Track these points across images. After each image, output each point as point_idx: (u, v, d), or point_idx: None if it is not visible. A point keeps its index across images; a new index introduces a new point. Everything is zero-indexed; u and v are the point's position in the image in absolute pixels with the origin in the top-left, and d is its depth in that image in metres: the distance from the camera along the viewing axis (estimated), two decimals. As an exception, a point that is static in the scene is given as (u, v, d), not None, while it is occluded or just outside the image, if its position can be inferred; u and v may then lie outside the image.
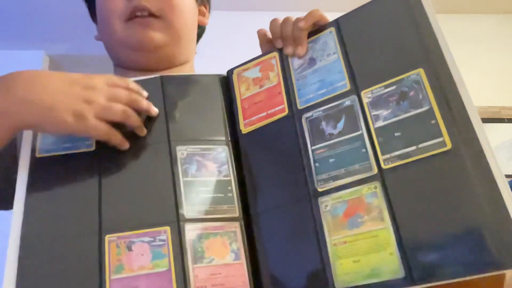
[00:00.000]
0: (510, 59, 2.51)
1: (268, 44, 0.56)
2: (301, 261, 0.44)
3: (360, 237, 0.41)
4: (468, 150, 0.39)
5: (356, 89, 0.47)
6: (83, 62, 2.23)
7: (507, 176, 2.17)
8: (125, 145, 0.49)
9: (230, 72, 0.57)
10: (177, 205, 0.46)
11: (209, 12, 0.76)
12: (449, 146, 0.40)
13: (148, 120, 0.52)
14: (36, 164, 0.48)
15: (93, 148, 0.49)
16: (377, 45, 0.47)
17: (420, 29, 0.46)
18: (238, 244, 0.46)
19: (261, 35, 0.57)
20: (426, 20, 0.46)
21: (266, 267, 0.45)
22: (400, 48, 0.46)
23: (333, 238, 0.43)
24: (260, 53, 0.57)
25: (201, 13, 0.73)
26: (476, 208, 0.37)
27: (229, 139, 0.52)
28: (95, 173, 0.48)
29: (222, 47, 2.33)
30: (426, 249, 0.38)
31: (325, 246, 0.43)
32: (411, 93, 0.44)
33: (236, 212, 0.48)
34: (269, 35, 0.56)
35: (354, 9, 0.51)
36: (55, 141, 0.50)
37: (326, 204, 0.44)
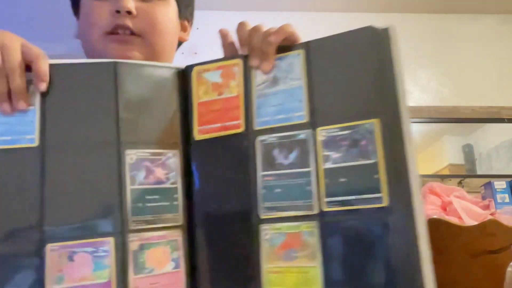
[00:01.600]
0: (510, 59, 2.51)
1: (230, 46, 0.54)
2: (237, 279, 0.46)
3: (292, 270, 0.44)
4: (401, 211, 0.42)
5: (312, 124, 0.47)
6: (83, 62, 2.23)
7: (507, 176, 2.16)
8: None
9: (190, 68, 0.53)
10: (122, 215, 0.45)
11: (191, 26, 0.76)
12: (385, 203, 0.42)
13: (97, 115, 0.47)
14: None
15: (35, 144, 0.46)
16: (340, 83, 0.47)
17: (383, 76, 0.45)
18: (179, 253, 0.47)
19: (224, 35, 0.55)
20: (391, 67, 0.46)
21: (203, 277, 0.47)
22: (361, 92, 0.46)
23: (268, 266, 0.45)
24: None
25: (182, 28, 0.71)
26: (393, 268, 0.41)
27: (180, 142, 0.50)
28: (37, 174, 0.44)
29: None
30: None
31: (259, 271, 0.45)
32: (363, 142, 0.44)
33: (180, 220, 0.48)
34: (231, 37, 0.54)
35: (327, 37, 0.49)
36: None
37: (267, 232, 0.46)
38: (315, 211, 0.45)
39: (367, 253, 0.42)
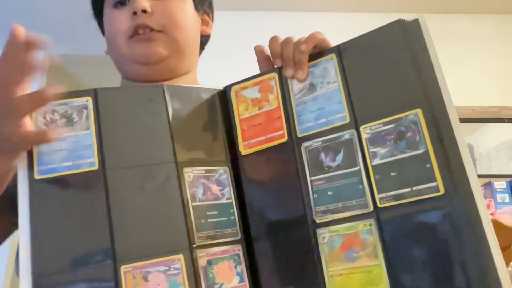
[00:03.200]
0: (510, 59, 2.50)
1: (266, 61, 0.56)
2: (301, 287, 0.47)
3: (355, 271, 0.44)
4: (460, 197, 0.41)
5: (355, 123, 0.48)
6: (83, 62, 2.23)
7: (507, 176, 2.16)
8: (54, 135, 0.44)
9: (228, 89, 0.56)
10: (188, 231, 0.46)
11: (212, 20, 0.77)
12: (442, 191, 0.41)
13: (151, 131, 0.49)
14: (36, 187, 0.44)
15: (96, 167, 0.46)
16: (377, 79, 0.47)
17: (419, 66, 0.45)
18: (242, 266, 0.48)
19: (259, 51, 0.56)
20: (426, 56, 0.46)
21: None
22: (399, 85, 0.46)
23: (331, 270, 0.45)
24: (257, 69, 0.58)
25: (204, 23, 0.74)
26: (460, 256, 0.40)
27: (229, 159, 0.52)
28: (101, 196, 0.45)
29: (224, 47, 2.33)
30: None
31: (323, 277, 0.45)
32: (409, 134, 0.44)
33: (238, 234, 0.50)
34: (267, 52, 0.56)
35: (356, 37, 0.50)
36: (53, 160, 0.45)
37: (324, 236, 0.46)
38: (370, 209, 0.45)
39: (430, 244, 0.41)
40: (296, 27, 2.57)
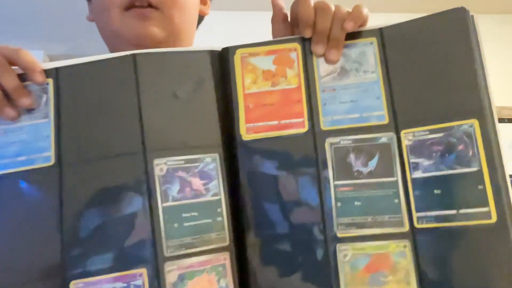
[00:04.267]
0: (510, 59, 2.51)
1: (284, 24, 0.46)
2: None
3: None
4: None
5: (395, 126, 0.40)
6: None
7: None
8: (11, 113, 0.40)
9: (232, 51, 0.44)
10: (154, 240, 0.38)
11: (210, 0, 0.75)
12: (494, 219, 0.36)
13: (118, 119, 0.41)
14: None
15: (51, 162, 0.40)
16: (427, 76, 0.40)
17: (476, 68, 0.39)
18: (228, 280, 0.39)
19: (278, 9, 0.46)
20: (480, 56, 0.40)
21: None
22: (455, 88, 0.39)
23: None
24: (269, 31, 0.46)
25: (202, 1, 0.68)
26: None
27: (220, 143, 0.41)
28: (55, 197, 0.39)
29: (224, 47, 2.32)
30: None
31: None
32: (460, 147, 0.38)
33: (226, 240, 0.40)
34: (286, 13, 0.46)
35: (403, 22, 0.43)
36: (7, 151, 0.40)
37: (346, 253, 0.39)
38: (406, 228, 0.38)
39: (473, 278, 0.36)
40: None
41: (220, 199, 0.41)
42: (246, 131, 0.42)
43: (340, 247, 0.39)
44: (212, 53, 0.43)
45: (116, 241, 0.38)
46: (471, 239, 0.37)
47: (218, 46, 0.44)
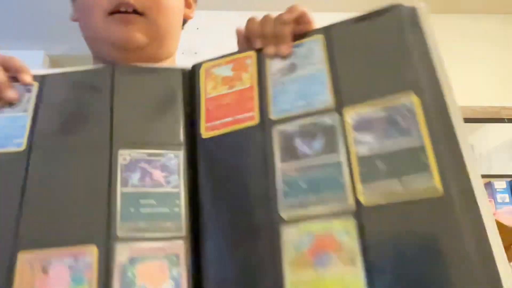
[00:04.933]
0: (510, 59, 2.51)
1: (247, 44, 0.51)
2: None
3: (326, 278, 0.35)
4: (460, 200, 0.35)
5: (339, 108, 0.41)
6: (83, 62, 2.23)
7: (507, 176, 2.16)
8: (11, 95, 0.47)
9: (198, 66, 0.49)
10: (109, 220, 0.40)
11: (195, 2, 0.74)
12: (440, 192, 0.35)
13: (91, 118, 0.45)
14: None
15: (22, 148, 0.43)
16: (368, 62, 0.43)
17: (416, 51, 0.41)
18: (180, 269, 0.39)
19: (239, 33, 0.52)
20: (424, 43, 0.42)
21: None
22: (393, 69, 0.41)
23: (294, 275, 0.36)
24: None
25: (187, 5, 0.69)
26: (462, 269, 0.33)
27: (184, 142, 0.45)
28: (20, 177, 0.42)
29: (224, 47, 2.32)
30: None
31: (282, 283, 0.36)
32: (401, 121, 0.39)
33: (183, 230, 0.41)
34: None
35: (347, 19, 0.46)
36: None
37: (290, 235, 0.38)
38: (350, 205, 0.37)
39: (421, 253, 0.34)
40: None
41: (179, 192, 0.42)
42: (205, 130, 0.46)
43: (285, 228, 0.38)
44: (183, 70, 0.50)
45: (69, 216, 0.40)
46: (417, 214, 0.35)
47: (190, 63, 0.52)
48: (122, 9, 0.57)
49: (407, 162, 0.37)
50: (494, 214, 1.54)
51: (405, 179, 0.36)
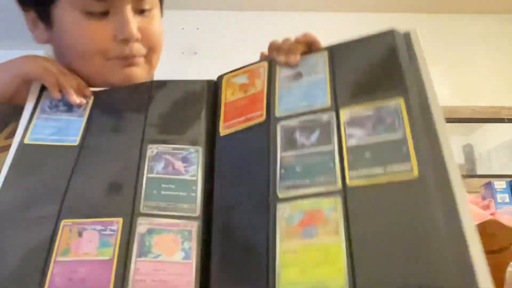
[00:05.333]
0: (510, 59, 2.51)
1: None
2: (248, 265, 0.43)
3: (311, 248, 0.41)
4: (435, 183, 0.39)
5: (336, 108, 0.48)
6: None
7: (507, 176, 2.16)
8: (57, 94, 0.56)
9: (220, 77, 0.58)
10: (134, 199, 0.48)
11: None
12: (416, 174, 0.40)
13: (129, 123, 0.56)
14: (22, 149, 0.53)
15: (76, 143, 0.54)
16: (362, 72, 0.50)
17: (406, 64, 0.48)
18: (191, 244, 0.46)
19: (262, 54, 0.59)
20: (414, 58, 0.49)
21: (214, 269, 0.45)
22: (384, 78, 0.48)
23: (284, 245, 0.42)
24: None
25: None
26: (432, 242, 0.37)
27: (205, 140, 0.53)
28: (71, 164, 0.52)
29: (224, 47, 2.32)
30: (375, 271, 0.37)
31: (274, 252, 0.42)
32: (388, 119, 0.45)
33: (196, 212, 0.48)
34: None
35: (349, 40, 0.54)
36: (44, 131, 0.55)
37: (284, 211, 0.43)
38: (338, 186, 0.43)
39: (395, 228, 0.39)
40: (300, 27, 2.56)
41: (196, 180, 0.50)
42: (223, 129, 0.53)
43: (280, 205, 0.44)
44: (209, 81, 0.59)
45: (103, 195, 0.49)
46: (395, 193, 0.40)
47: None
48: (127, 56, 0.61)
49: (390, 152, 0.43)
50: (493, 214, 1.54)
51: (388, 166, 0.42)
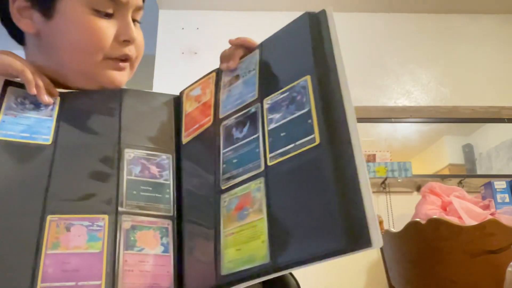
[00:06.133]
0: (510, 59, 2.51)
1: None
2: (204, 252, 0.49)
3: (244, 228, 0.46)
4: (336, 145, 0.43)
5: (261, 98, 0.53)
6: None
7: (507, 176, 2.16)
8: (33, 89, 0.57)
9: (182, 92, 0.66)
10: (117, 199, 0.52)
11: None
12: (317, 141, 0.45)
13: (102, 125, 0.58)
14: None
15: (49, 142, 0.55)
16: (282, 59, 0.54)
17: (318, 43, 0.51)
18: (169, 239, 0.52)
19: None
20: (327, 37, 0.51)
21: (186, 259, 0.51)
22: (297, 60, 0.52)
23: (226, 230, 0.48)
24: None
25: None
26: (333, 197, 0.41)
27: (174, 149, 0.59)
28: (48, 162, 0.53)
29: (224, 47, 2.32)
30: (289, 236, 0.42)
31: (219, 238, 0.48)
32: (298, 97, 0.49)
33: (171, 211, 0.54)
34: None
35: (273, 33, 0.59)
36: (15, 128, 0.56)
37: (225, 200, 0.50)
38: (262, 168, 0.48)
39: (307, 193, 0.43)
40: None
41: (169, 183, 0.56)
42: (184, 137, 0.60)
43: (222, 196, 0.50)
44: (174, 96, 0.65)
45: (86, 193, 0.52)
46: (303, 162, 0.45)
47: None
48: (123, 57, 0.64)
49: (299, 126, 0.47)
50: (493, 214, 1.53)
51: (297, 140, 0.47)
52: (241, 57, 0.61)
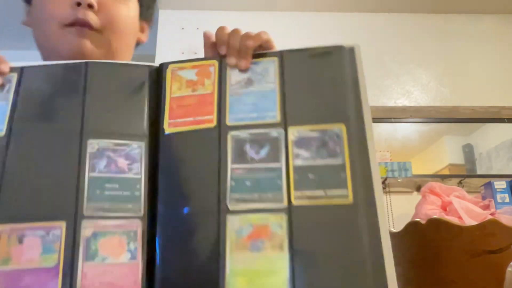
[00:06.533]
0: (510, 59, 2.51)
1: (211, 48, 0.56)
2: (197, 271, 0.46)
3: (259, 260, 0.45)
4: (365, 207, 0.46)
5: (285, 124, 0.50)
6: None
7: (507, 176, 2.16)
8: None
9: (165, 66, 0.55)
10: (77, 201, 0.46)
11: (149, 28, 0.76)
12: (350, 200, 0.46)
13: (65, 108, 0.50)
14: None
15: (3, 132, 0.49)
16: (312, 91, 0.52)
17: (350, 87, 0.51)
18: (137, 244, 0.47)
19: (206, 37, 0.57)
20: (356, 79, 0.51)
21: (160, 269, 0.47)
22: (331, 101, 0.51)
23: (234, 256, 0.45)
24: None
25: (140, 29, 0.73)
26: (359, 261, 0.44)
27: (147, 135, 0.51)
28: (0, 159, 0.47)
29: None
30: (312, 283, 0.43)
31: (224, 262, 0.45)
32: (331, 144, 0.48)
33: (141, 211, 0.48)
34: (213, 38, 0.56)
35: (299, 48, 0.54)
36: None
37: (234, 223, 0.46)
38: (284, 204, 0.46)
39: (335, 249, 0.45)
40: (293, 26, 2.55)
41: (140, 178, 0.49)
42: (168, 126, 0.52)
43: (230, 217, 0.47)
44: (150, 67, 0.55)
45: (42, 196, 0.46)
46: (333, 215, 0.46)
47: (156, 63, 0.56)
48: (79, 23, 0.60)
49: (331, 176, 0.47)
50: (493, 214, 1.54)
51: (327, 190, 0.47)
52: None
